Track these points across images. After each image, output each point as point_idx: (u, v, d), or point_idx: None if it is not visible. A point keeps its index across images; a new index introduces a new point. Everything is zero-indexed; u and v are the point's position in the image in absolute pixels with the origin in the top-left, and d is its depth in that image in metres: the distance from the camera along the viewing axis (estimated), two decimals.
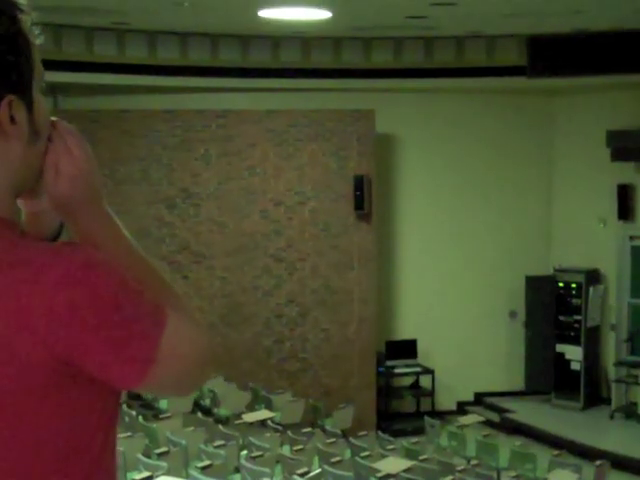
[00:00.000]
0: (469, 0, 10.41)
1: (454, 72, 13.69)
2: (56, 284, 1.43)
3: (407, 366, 14.23)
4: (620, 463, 11.22)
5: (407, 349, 14.31)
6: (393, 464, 8.94)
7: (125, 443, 8.38)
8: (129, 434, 9.11)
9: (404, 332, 14.51)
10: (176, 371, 1.56)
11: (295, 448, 9.41)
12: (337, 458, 8.86)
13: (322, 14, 11.20)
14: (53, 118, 1.60)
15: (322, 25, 12.04)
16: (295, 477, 7.82)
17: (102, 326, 1.45)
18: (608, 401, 13.86)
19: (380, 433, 11.85)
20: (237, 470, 8.63)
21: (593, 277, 14.07)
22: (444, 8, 10.69)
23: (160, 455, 8.39)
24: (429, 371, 14.16)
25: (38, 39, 1.57)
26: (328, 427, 11.46)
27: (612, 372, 14.04)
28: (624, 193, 13.72)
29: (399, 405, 14.47)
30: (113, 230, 1.61)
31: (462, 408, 14.47)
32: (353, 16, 11.75)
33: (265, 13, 11.08)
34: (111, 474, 1.62)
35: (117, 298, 1.47)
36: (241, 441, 9.55)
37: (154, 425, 9.79)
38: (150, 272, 1.63)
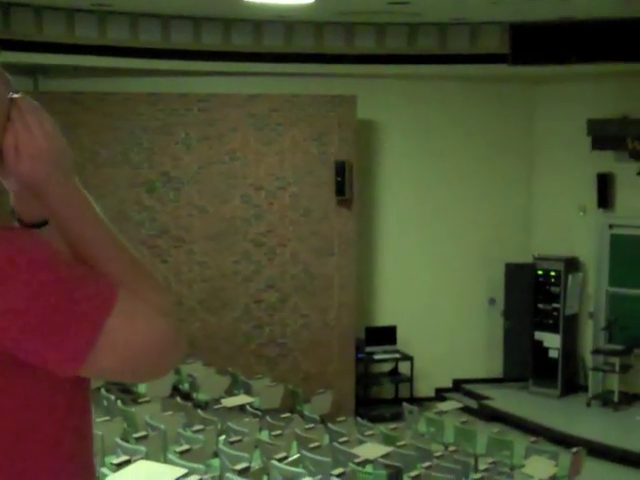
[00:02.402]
0: None
1: (437, 59, 13.68)
2: None
3: (386, 352, 14.26)
4: (596, 450, 11.30)
5: (386, 335, 14.34)
6: (371, 450, 8.97)
7: (103, 427, 8.37)
8: (107, 418, 9.10)
9: (384, 318, 14.54)
10: (122, 357, 1.52)
11: (274, 433, 9.42)
12: (315, 444, 8.87)
13: None
14: (15, 95, 1.54)
15: (305, 10, 11.99)
16: (273, 462, 7.83)
17: (30, 311, 1.42)
18: (585, 389, 13.95)
19: (359, 419, 11.88)
20: (216, 455, 8.63)
21: (572, 265, 14.15)
22: None
23: (138, 439, 8.38)
24: (408, 357, 14.20)
25: None
26: (307, 412, 11.48)
27: (589, 360, 14.14)
28: (604, 182, 13.79)
29: (378, 391, 14.51)
30: (83, 206, 1.58)
31: (440, 395, 14.53)
32: (336, 1, 11.71)
33: None
34: (85, 461, 1.61)
35: (51, 284, 1.44)
36: (220, 426, 9.55)
37: (133, 409, 9.77)
38: (119, 251, 1.60)
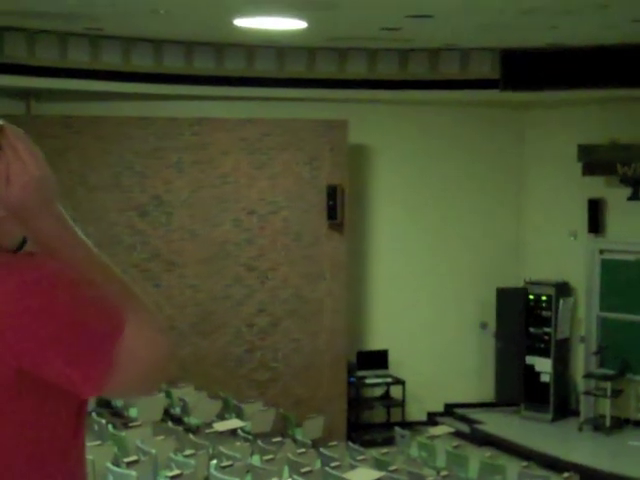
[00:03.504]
0: (444, 13, 10.46)
1: (428, 84, 13.74)
2: (9, 298, 1.42)
3: (378, 376, 14.24)
4: (588, 475, 11.29)
5: (378, 359, 14.32)
6: (363, 475, 8.94)
7: (94, 451, 8.32)
8: (98, 442, 9.06)
9: (375, 342, 14.52)
10: (135, 374, 1.57)
11: (265, 458, 9.38)
12: (307, 468, 8.85)
13: (297, 24, 11.21)
14: (0, 122, 1.55)
15: (297, 35, 12.05)
16: None
17: (56, 336, 1.45)
18: (577, 413, 13.94)
19: (350, 443, 11.85)
20: None
21: (563, 290, 14.17)
22: (419, 20, 10.74)
23: (129, 464, 8.34)
24: (400, 382, 14.18)
25: None
26: (298, 437, 11.45)
27: (581, 384, 14.13)
28: (595, 207, 13.84)
29: (369, 415, 14.47)
30: (69, 234, 1.59)
31: (432, 419, 14.50)
32: (328, 27, 11.77)
33: (240, 22, 11.07)
34: None
35: (72, 307, 1.47)
36: (211, 450, 9.51)
37: (123, 433, 9.73)
38: (109, 275, 1.62)
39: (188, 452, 9.06)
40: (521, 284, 14.41)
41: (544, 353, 14.09)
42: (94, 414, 10.39)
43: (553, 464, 11.83)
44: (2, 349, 1.43)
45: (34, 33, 11.97)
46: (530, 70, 13.34)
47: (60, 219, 1.59)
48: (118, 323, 1.53)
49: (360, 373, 14.14)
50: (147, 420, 10.51)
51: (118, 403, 11.42)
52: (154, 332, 1.60)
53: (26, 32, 11.92)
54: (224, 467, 8.58)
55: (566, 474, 9.74)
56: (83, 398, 1.58)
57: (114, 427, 10.12)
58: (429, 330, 14.61)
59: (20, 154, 1.53)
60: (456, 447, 11.06)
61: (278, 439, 10.65)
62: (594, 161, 13.53)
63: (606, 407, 13.54)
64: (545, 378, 14.06)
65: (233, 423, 11.11)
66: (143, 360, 1.57)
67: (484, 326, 14.84)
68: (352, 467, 9.41)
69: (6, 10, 10.50)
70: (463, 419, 14.37)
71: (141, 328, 1.57)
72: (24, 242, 1.61)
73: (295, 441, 11.02)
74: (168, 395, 11.74)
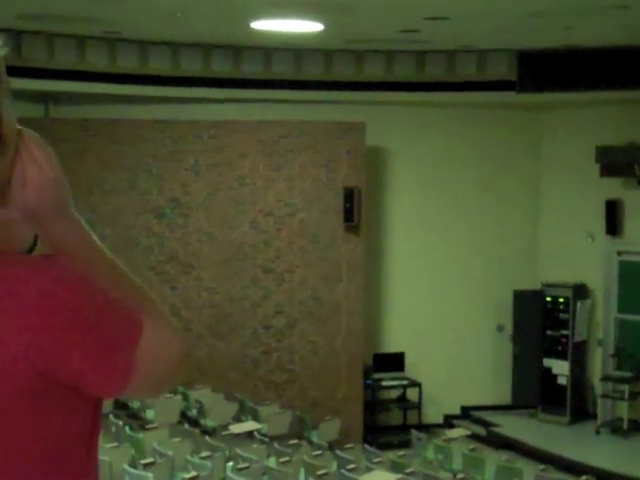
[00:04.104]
0: (461, 15, 10.46)
1: (445, 86, 13.73)
2: (31, 300, 1.43)
3: (394, 379, 14.23)
4: (605, 478, 11.24)
5: (395, 362, 14.31)
6: (379, 477, 8.94)
7: (111, 453, 8.36)
8: (115, 444, 9.09)
9: (392, 345, 14.51)
10: (154, 375, 1.58)
11: (281, 460, 9.39)
12: (323, 471, 8.85)
13: (314, 27, 11.23)
14: (18, 127, 1.55)
15: (314, 37, 12.07)
16: None
17: (79, 338, 1.46)
18: (594, 416, 13.88)
19: (367, 446, 11.84)
20: None
21: (581, 292, 14.11)
22: (436, 22, 10.74)
23: (146, 466, 8.36)
24: (416, 384, 14.16)
25: (3, 50, 1.54)
26: (314, 439, 11.45)
27: (598, 387, 14.07)
28: (612, 208, 13.79)
29: (386, 418, 14.46)
30: (83, 237, 1.60)
31: (449, 421, 14.47)
32: (345, 29, 11.79)
33: (257, 25, 11.10)
34: None
35: (92, 310, 1.48)
36: (227, 452, 9.53)
37: (140, 435, 9.75)
38: (123, 277, 1.63)
39: (204, 454, 9.09)
40: (538, 286, 14.36)
41: (561, 355, 14.04)
42: (111, 416, 10.43)
43: (570, 467, 11.79)
44: (28, 351, 1.44)
45: (52, 36, 12.04)
46: (547, 72, 13.31)
47: (75, 223, 1.59)
48: (137, 324, 1.54)
49: (376, 375, 14.13)
50: (164, 422, 10.54)
51: (135, 405, 11.45)
52: (171, 333, 1.61)
53: (44, 35, 11.99)
54: (240, 469, 8.60)
55: (584, 477, 9.71)
56: (102, 399, 1.59)
57: (131, 429, 10.15)
58: (445, 333, 14.58)
59: (36, 157, 1.53)
60: (473, 450, 11.03)
61: (294, 441, 10.66)
62: (612, 162, 13.48)
63: (624, 410, 13.48)
64: (562, 381, 14.01)
65: (249, 425, 11.13)
66: (162, 361, 1.58)
67: (501, 328, 14.80)
68: (368, 470, 9.41)
69: (25, 14, 10.57)
70: (480, 422, 14.33)
71: (158, 330, 1.58)
72: (35, 245, 1.62)
73: (311, 443, 11.03)
74: (185, 397, 11.77)
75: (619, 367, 13.88)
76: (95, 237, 1.62)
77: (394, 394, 14.45)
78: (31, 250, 1.61)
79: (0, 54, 1.54)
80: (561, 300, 14.09)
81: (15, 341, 1.43)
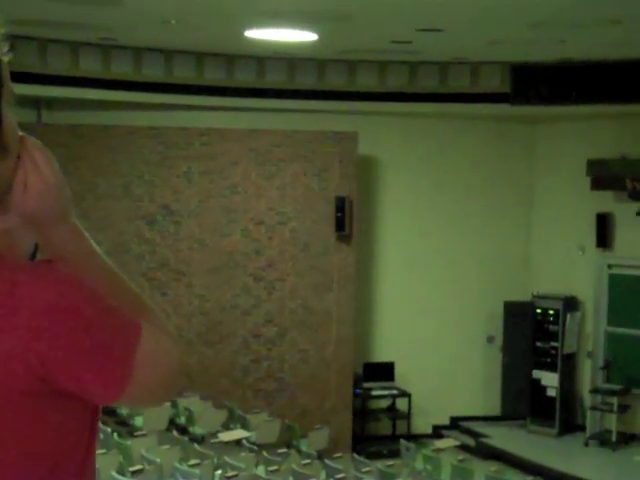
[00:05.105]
0: (454, 27, 10.49)
1: (437, 97, 13.76)
2: (30, 305, 1.44)
3: (384, 388, 14.23)
4: None
5: (384, 371, 14.31)
6: None
7: (99, 460, 8.32)
8: (103, 451, 9.06)
9: (382, 354, 14.52)
10: (152, 383, 1.58)
11: (270, 468, 9.38)
12: None
13: (308, 36, 11.25)
14: (20, 133, 1.57)
15: (308, 47, 12.09)
16: None
17: (77, 344, 1.46)
18: (583, 428, 13.90)
19: (355, 455, 11.83)
20: None
21: (571, 304, 14.15)
22: (429, 34, 10.77)
23: (134, 473, 8.35)
24: (406, 394, 14.16)
25: (6, 56, 1.55)
26: (303, 448, 11.44)
27: (587, 399, 14.10)
28: (603, 221, 13.84)
29: (375, 427, 14.45)
30: (83, 244, 1.61)
31: (438, 432, 14.47)
32: (339, 39, 11.81)
33: (251, 33, 11.12)
34: None
35: (92, 316, 1.48)
36: (216, 460, 9.51)
37: (129, 442, 9.73)
38: (121, 285, 1.64)
39: (193, 462, 9.07)
40: (529, 298, 14.39)
41: (551, 367, 14.06)
42: (99, 422, 10.39)
43: (559, 479, 11.81)
44: (27, 355, 1.44)
45: (46, 42, 12.04)
46: (540, 84, 13.34)
47: (75, 229, 1.60)
48: (136, 331, 1.54)
49: (366, 385, 14.13)
50: (152, 429, 10.52)
51: (123, 412, 11.43)
52: (168, 340, 1.62)
53: (38, 41, 11.99)
54: (229, 477, 8.59)
55: None
56: (100, 405, 1.59)
57: (119, 436, 10.13)
58: (436, 343, 14.59)
59: (38, 164, 1.54)
60: (461, 461, 11.04)
61: (283, 450, 10.65)
62: (603, 176, 13.53)
63: (612, 422, 13.50)
64: (551, 392, 14.03)
65: (238, 433, 11.11)
66: (159, 368, 1.58)
67: (491, 339, 14.82)
68: (357, 479, 9.40)
69: (18, 19, 10.56)
70: (469, 432, 14.34)
71: (157, 337, 1.58)
72: (36, 250, 1.63)
73: (300, 452, 11.02)
74: (173, 404, 11.75)
75: (608, 380, 13.90)
76: (95, 245, 1.63)
77: (384, 404, 14.45)
78: (32, 258, 1.61)
79: (4, 60, 1.55)
80: (551, 312, 14.12)
81: (14, 346, 1.43)
